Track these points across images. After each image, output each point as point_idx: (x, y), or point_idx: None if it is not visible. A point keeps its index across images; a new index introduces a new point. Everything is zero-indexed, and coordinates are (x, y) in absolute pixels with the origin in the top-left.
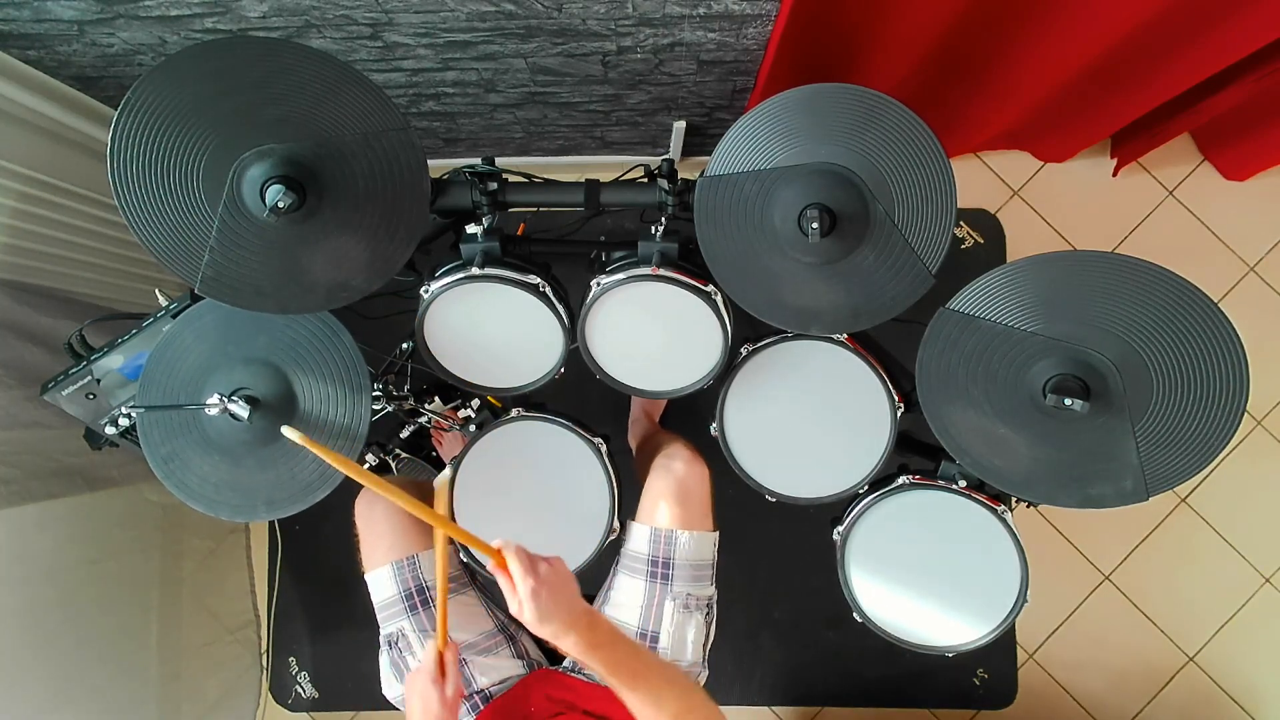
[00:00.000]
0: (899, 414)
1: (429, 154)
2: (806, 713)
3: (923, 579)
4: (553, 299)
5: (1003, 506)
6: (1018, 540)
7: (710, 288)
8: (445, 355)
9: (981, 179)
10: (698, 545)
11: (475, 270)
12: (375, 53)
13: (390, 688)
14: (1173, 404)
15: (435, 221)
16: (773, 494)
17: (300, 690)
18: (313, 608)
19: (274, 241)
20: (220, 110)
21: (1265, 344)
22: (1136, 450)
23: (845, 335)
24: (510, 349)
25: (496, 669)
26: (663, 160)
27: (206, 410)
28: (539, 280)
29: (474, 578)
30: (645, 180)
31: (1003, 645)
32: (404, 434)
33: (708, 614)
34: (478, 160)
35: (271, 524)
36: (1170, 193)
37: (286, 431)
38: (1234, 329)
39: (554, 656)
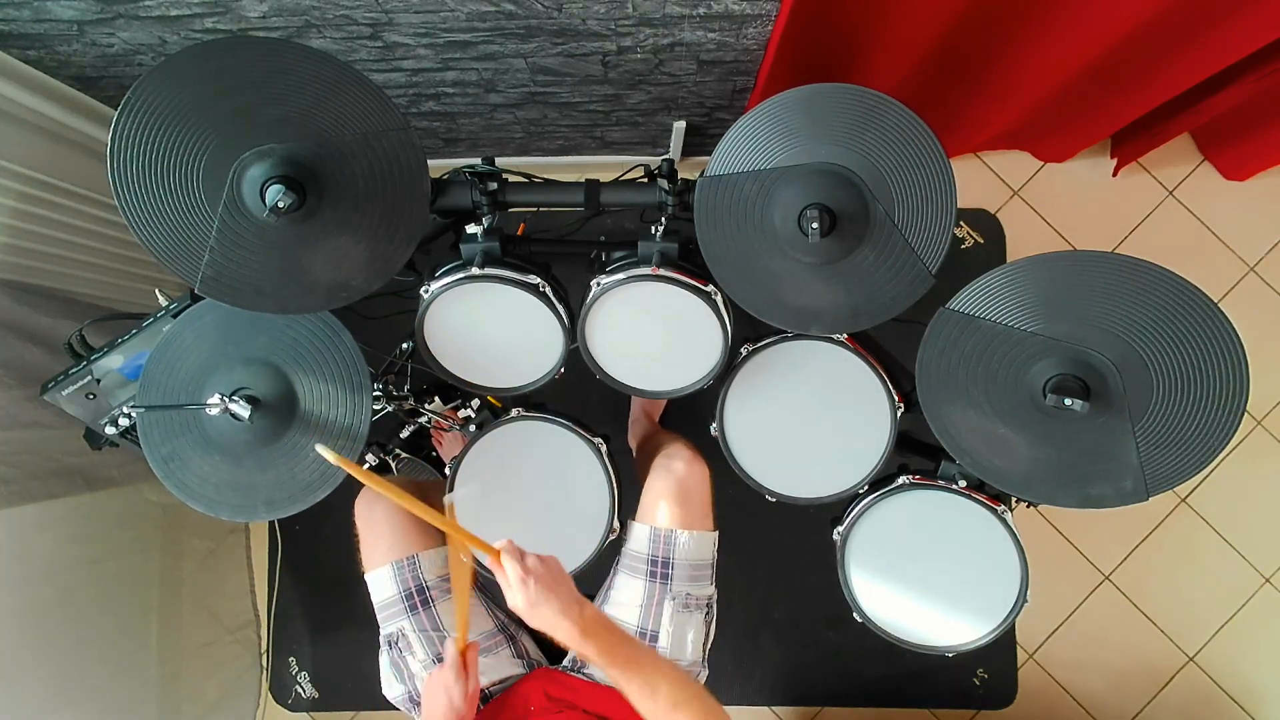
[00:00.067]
0: (899, 414)
1: (429, 154)
2: (806, 713)
3: (923, 579)
4: (553, 299)
5: (1003, 506)
6: (1018, 540)
7: (710, 288)
8: (445, 355)
9: (981, 179)
10: (697, 545)
11: (475, 270)
12: (375, 53)
13: (390, 688)
14: (1173, 404)
15: (435, 221)
16: (773, 494)
17: (300, 690)
18: (313, 608)
19: (274, 241)
20: (220, 110)
21: (1265, 344)
22: (1136, 450)
23: (845, 335)
24: (510, 349)
25: (496, 668)
26: (663, 160)
27: (207, 410)
28: (539, 280)
29: (474, 578)
30: (645, 180)
31: (1003, 645)
32: (404, 434)
33: (707, 614)
34: (478, 160)
35: (271, 524)
36: (1170, 193)
37: (321, 450)
38: (1234, 329)
39: (554, 656)
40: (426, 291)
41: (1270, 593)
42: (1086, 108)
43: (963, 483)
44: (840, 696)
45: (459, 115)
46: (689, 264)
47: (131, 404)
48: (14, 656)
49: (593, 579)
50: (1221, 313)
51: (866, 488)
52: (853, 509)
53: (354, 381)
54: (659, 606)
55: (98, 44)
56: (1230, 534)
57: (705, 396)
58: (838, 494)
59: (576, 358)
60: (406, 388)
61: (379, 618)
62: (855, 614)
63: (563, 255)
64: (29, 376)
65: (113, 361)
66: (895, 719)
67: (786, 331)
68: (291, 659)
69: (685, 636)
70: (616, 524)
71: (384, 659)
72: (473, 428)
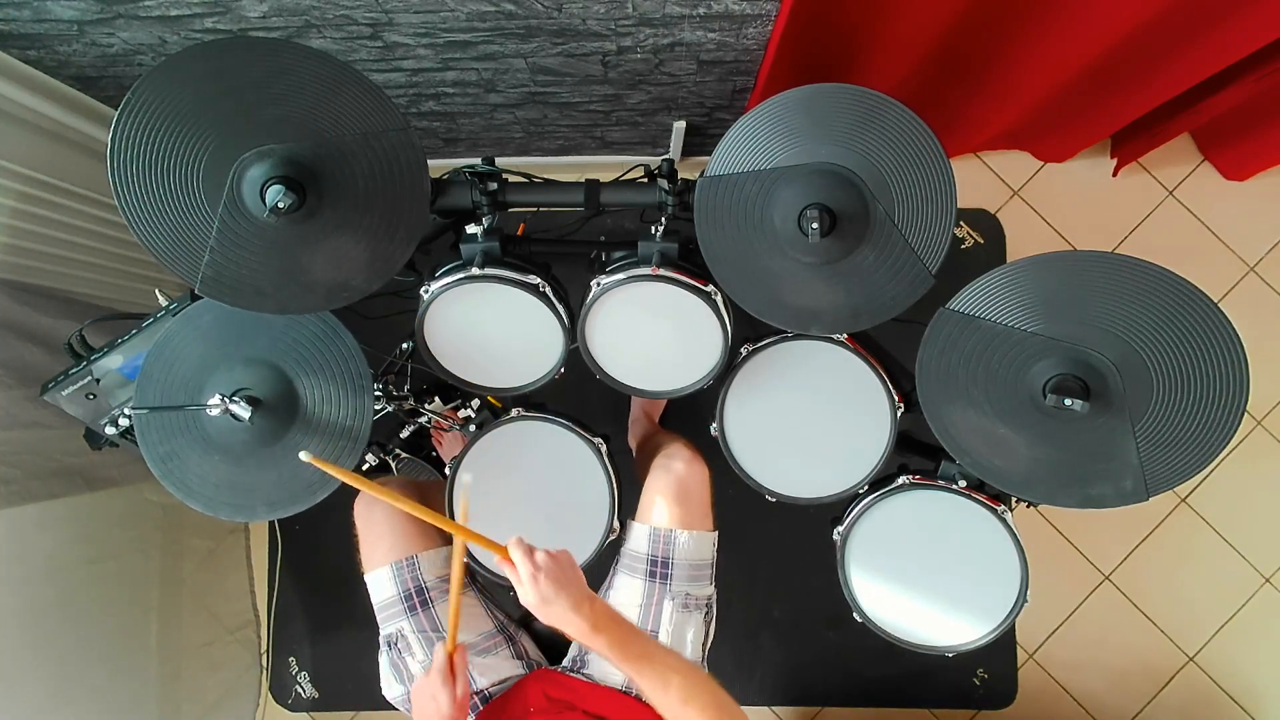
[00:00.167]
0: (899, 414)
1: (429, 154)
2: (806, 713)
3: (923, 579)
4: (553, 299)
5: (1003, 506)
6: (1018, 540)
7: (710, 288)
8: (445, 355)
9: (981, 179)
10: (697, 545)
11: (475, 270)
12: (375, 53)
13: (390, 688)
14: (1173, 404)
15: (435, 221)
16: (773, 494)
17: (300, 690)
18: (313, 608)
19: (274, 241)
20: (220, 110)
21: (1265, 344)
22: (1136, 450)
23: (845, 335)
24: (510, 349)
25: (496, 669)
26: (663, 160)
27: (208, 411)
28: (539, 280)
29: (474, 578)
30: (645, 180)
31: (1003, 645)
32: (404, 434)
33: (707, 613)
34: (478, 160)
35: (271, 524)
36: (1170, 193)
37: (305, 457)
38: (1234, 329)
39: (554, 657)
40: (426, 291)
41: (1270, 593)
42: (1086, 108)
43: (963, 483)
44: (840, 696)
45: (459, 115)
46: (689, 264)
47: (131, 405)
48: (14, 656)
49: (593, 579)
50: (1221, 313)
51: (866, 488)
52: (853, 509)
53: (355, 382)
54: (658, 606)
55: (98, 44)
56: (1230, 534)
57: (705, 396)
58: (838, 494)
59: (576, 358)
60: (406, 388)
61: (378, 618)
62: (855, 614)
63: (563, 255)
64: (29, 376)
65: (113, 361)
66: (895, 719)
67: (786, 331)
68: (291, 659)
69: (685, 636)
70: (616, 524)
71: (384, 659)
72: (473, 428)
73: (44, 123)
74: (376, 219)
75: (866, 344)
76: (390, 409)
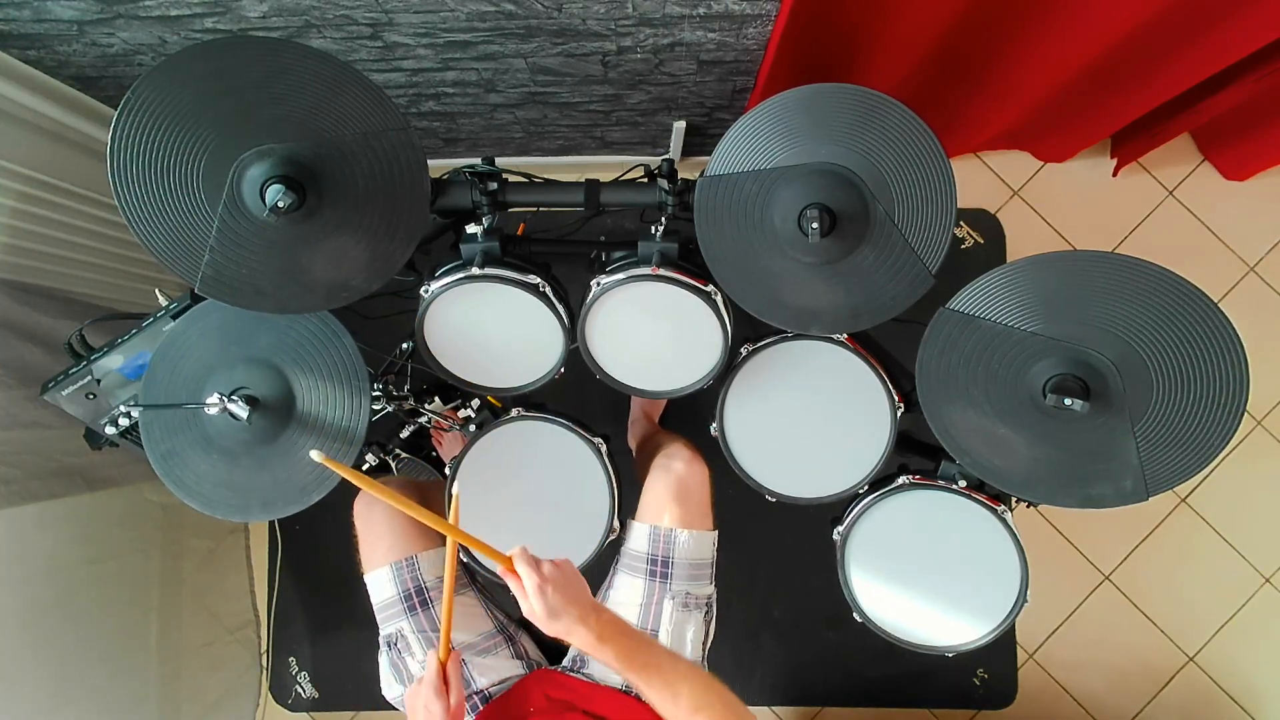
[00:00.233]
0: (899, 414)
1: (429, 154)
2: (806, 713)
3: (923, 579)
4: (553, 299)
5: (1003, 506)
6: (1018, 540)
7: (710, 288)
8: (445, 355)
9: (981, 179)
10: (697, 544)
11: (475, 270)
12: (375, 53)
13: (390, 688)
14: (1173, 404)
15: (435, 221)
16: (773, 494)
17: (300, 690)
18: (313, 608)
19: (274, 241)
20: (220, 110)
21: (1265, 344)
22: (1136, 450)
23: (845, 335)
24: (510, 349)
25: (496, 669)
26: (663, 160)
27: (206, 409)
28: (539, 280)
29: (473, 578)
30: (645, 180)
31: (1003, 645)
32: (404, 434)
33: (707, 613)
34: (478, 160)
35: (271, 524)
36: (1170, 193)
37: (315, 455)
38: (1234, 329)
39: (554, 657)
40: (426, 291)
41: (1270, 593)
42: (1086, 108)
43: (963, 483)
44: (840, 696)
45: (459, 115)
46: (689, 264)
47: (132, 402)
48: (14, 656)
49: (593, 579)
50: (1221, 313)
51: (866, 488)
52: (853, 509)
53: (353, 383)
54: (658, 605)
55: (98, 44)
56: (1230, 534)
57: (705, 396)
58: (838, 494)
59: (576, 358)
60: (406, 388)
61: (378, 618)
62: (855, 614)
63: (563, 255)
64: (29, 376)
65: (113, 361)
66: (895, 719)
67: (786, 331)
68: (291, 659)
69: (685, 635)
70: (616, 524)
71: (383, 660)
72: (473, 428)
73: (44, 123)
74: (376, 219)
75: (866, 344)
76: (390, 409)
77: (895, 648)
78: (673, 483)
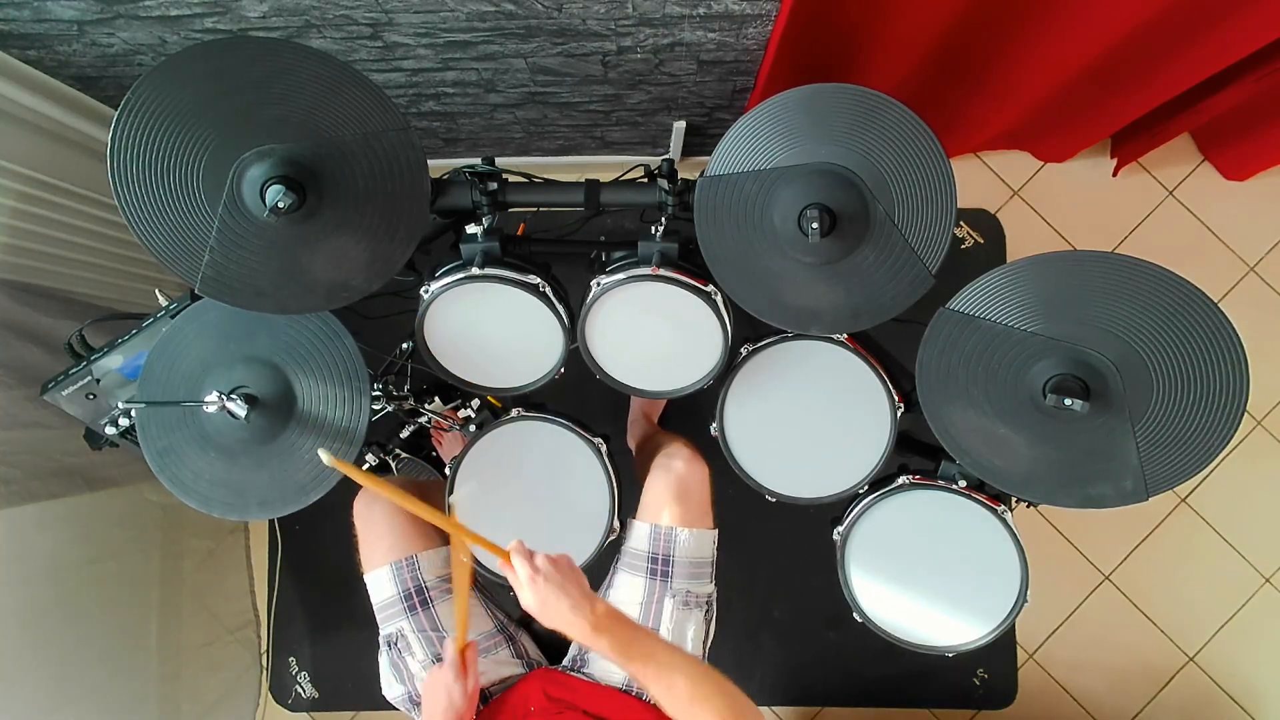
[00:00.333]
0: (899, 414)
1: (429, 154)
2: (806, 713)
3: (923, 579)
4: (553, 299)
5: (1003, 506)
6: (1018, 540)
7: (710, 288)
8: (445, 355)
9: (981, 179)
10: (697, 542)
11: (475, 270)
12: (375, 53)
13: (390, 688)
14: (1173, 404)
15: (435, 221)
16: (773, 494)
17: (300, 690)
18: (313, 608)
19: (274, 241)
20: (220, 110)
21: (1265, 344)
22: (1136, 450)
23: (845, 335)
24: (510, 349)
25: (496, 669)
26: (663, 160)
27: (205, 407)
28: (539, 280)
29: (473, 578)
30: (645, 180)
31: (1003, 645)
32: (404, 434)
33: (707, 611)
34: (478, 160)
35: (271, 524)
36: (1170, 193)
37: (324, 455)
38: (1234, 329)
39: (554, 656)
40: (426, 291)
41: (1270, 593)
42: (1086, 108)
43: (963, 483)
44: (840, 696)
45: (459, 115)
46: (689, 264)
47: (129, 399)
48: (14, 656)
49: (593, 579)
50: (1221, 313)
51: (866, 488)
52: (853, 509)
53: (353, 383)
54: (659, 604)
55: (98, 44)
56: (1230, 534)
57: (705, 396)
58: (838, 494)
59: (576, 358)
60: (406, 388)
61: (378, 618)
62: (855, 614)
63: (563, 255)
64: (29, 376)
65: (113, 361)
66: (895, 719)
67: (786, 331)
68: (291, 659)
69: (685, 634)
70: (616, 524)
71: (383, 659)
72: (473, 428)
73: (44, 123)
74: (376, 219)
75: (866, 344)
76: (390, 409)
77: (895, 648)
78: (673, 481)
